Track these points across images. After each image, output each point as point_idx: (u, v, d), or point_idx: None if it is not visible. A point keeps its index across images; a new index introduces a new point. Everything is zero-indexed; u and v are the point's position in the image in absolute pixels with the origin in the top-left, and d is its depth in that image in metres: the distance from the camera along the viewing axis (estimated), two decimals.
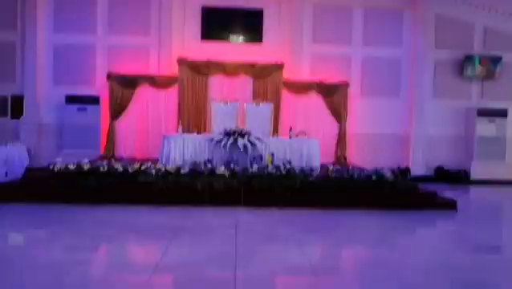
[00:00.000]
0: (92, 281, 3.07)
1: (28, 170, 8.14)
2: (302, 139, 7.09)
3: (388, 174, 6.06)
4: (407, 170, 9.07)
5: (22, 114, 8.96)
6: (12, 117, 8.99)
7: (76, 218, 4.87)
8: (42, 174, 5.89)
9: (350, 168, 6.50)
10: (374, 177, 5.99)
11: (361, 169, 6.49)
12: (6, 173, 8.07)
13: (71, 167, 5.71)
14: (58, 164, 5.70)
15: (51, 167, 5.72)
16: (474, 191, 8.47)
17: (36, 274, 3.15)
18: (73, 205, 5.44)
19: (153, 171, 5.82)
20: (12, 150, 8.29)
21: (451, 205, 6.06)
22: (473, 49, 9.52)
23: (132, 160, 6.48)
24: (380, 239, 4.51)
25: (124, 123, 8.82)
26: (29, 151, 8.67)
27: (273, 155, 6.43)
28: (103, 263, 3.56)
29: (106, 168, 5.77)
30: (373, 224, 5.14)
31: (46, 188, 5.59)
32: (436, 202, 6.10)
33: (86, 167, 5.71)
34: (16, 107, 8.98)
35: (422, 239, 4.71)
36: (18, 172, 8.05)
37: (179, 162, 6.25)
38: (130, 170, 5.81)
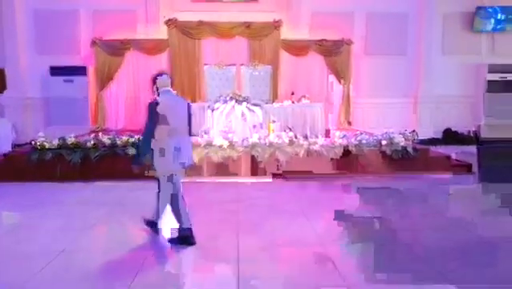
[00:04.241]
0: (92, 262, 2.89)
1: (15, 147, 7.73)
2: (305, 104, 6.62)
3: (399, 138, 5.65)
4: (413, 133, 8.66)
5: (4, 88, 8.40)
6: None
7: (64, 198, 4.49)
8: (24, 151, 5.44)
9: (357, 132, 6.06)
10: (384, 142, 5.58)
11: (369, 134, 6.07)
12: None
13: (55, 142, 5.26)
14: (41, 139, 5.23)
15: (33, 143, 5.26)
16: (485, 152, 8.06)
17: (27, 259, 2.92)
18: (59, 183, 5.03)
19: None
20: None
21: (466, 168, 5.72)
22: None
23: (123, 133, 6.01)
24: (392, 206, 4.20)
25: (113, 93, 8.31)
26: (14, 126, 8.21)
27: (274, 122, 5.97)
28: (99, 243, 3.37)
29: (92, 142, 5.31)
30: (384, 191, 4.77)
31: (28, 165, 5.16)
32: (450, 165, 5.76)
33: (70, 142, 5.25)
34: None
35: (435, 204, 4.37)
36: (3, 148, 7.63)
37: None
38: (119, 143, 5.36)
